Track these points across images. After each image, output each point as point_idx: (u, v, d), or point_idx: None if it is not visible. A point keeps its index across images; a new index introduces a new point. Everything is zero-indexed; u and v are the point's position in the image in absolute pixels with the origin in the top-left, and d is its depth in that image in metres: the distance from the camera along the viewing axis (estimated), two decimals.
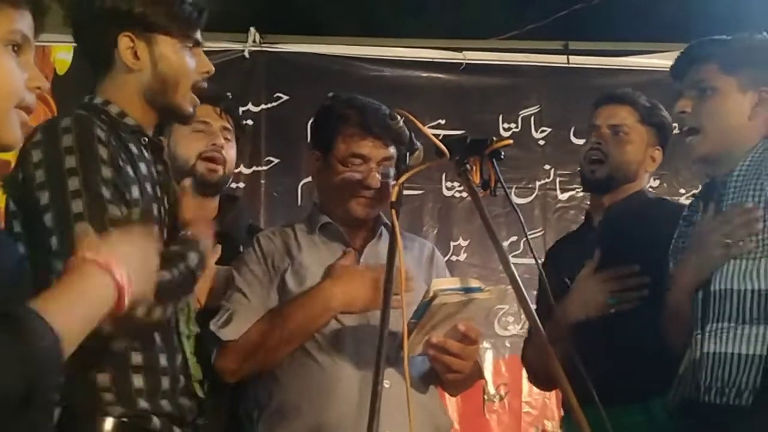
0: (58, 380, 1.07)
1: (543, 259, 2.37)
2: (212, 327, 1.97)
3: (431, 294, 1.80)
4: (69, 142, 1.48)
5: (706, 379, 1.84)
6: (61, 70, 3.51)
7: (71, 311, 1.09)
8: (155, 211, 1.59)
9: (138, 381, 1.52)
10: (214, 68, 1.71)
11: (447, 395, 2.30)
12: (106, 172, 1.49)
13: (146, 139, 1.65)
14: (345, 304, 1.96)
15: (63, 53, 3.50)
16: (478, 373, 2.14)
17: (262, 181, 3.54)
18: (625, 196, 2.35)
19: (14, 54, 1.16)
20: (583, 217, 2.59)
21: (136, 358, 1.52)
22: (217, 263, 2.09)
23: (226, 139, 2.32)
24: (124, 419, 1.49)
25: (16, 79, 1.15)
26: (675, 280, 1.97)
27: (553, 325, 1.96)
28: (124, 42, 1.61)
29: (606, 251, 2.21)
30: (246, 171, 3.52)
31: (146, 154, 1.63)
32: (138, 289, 1.19)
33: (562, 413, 2.49)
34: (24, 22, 1.17)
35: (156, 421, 1.54)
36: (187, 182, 2.18)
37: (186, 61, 1.64)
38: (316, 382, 1.95)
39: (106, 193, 1.47)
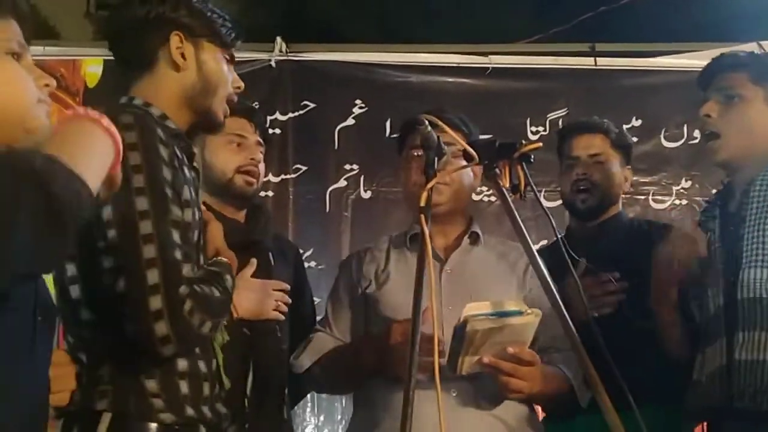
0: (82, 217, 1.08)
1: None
2: (291, 358, 2.18)
3: (462, 320, 1.79)
4: (132, 138, 1.47)
5: (738, 386, 1.87)
6: (92, 83, 3.56)
7: (85, 164, 1.11)
8: (198, 216, 1.60)
9: (184, 387, 1.52)
10: (241, 85, 1.75)
11: None
12: (167, 172, 1.50)
13: (185, 145, 1.66)
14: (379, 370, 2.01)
15: (93, 66, 3.55)
16: (566, 392, 2.06)
17: (290, 189, 3.54)
18: (608, 216, 2.51)
19: (16, 61, 1.22)
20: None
21: (182, 364, 1.52)
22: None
23: (260, 152, 2.37)
24: (176, 426, 1.50)
25: (29, 78, 1.22)
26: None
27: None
28: (175, 40, 1.64)
29: (597, 269, 2.32)
30: (274, 179, 3.53)
31: (185, 158, 1.64)
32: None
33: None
34: (15, 30, 1.23)
35: (202, 429, 1.54)
36: (206, 198, 2.24)
37: (226, 70, 1.69)
38: (390, 398, 1.97)
39: (168, 192, 1.48)
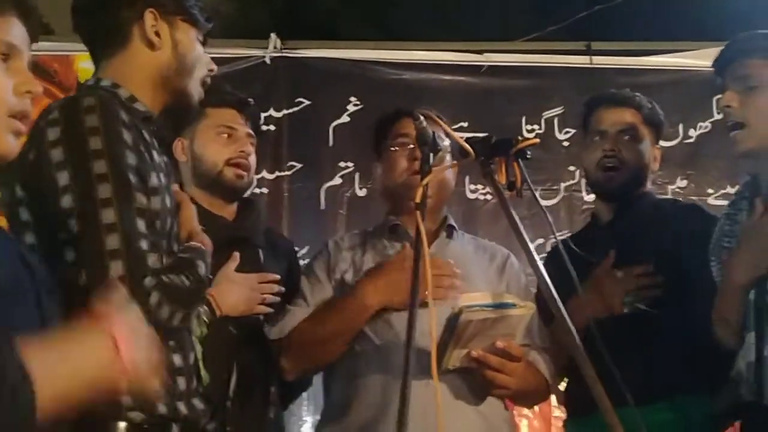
0: (24, 423, 0.95)
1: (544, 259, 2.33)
2: (266, 328, 2.09)
3: (457, 310, 1.79)
4: (94, 122, 1.41)
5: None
6: (85, 78, 3.53)
7: (59, 362, 1.01)
8: (169, 203, 1.54)
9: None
10: (214, 67, 1.71)
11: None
12: (131, 157, 1.43)
13: (155, 128, 1.60)
14: (382, 301, 1.99)
15: (86, 62, 3.50)
16: (543, 390, 2.10)
17: (285, 186, 3.53)
18: (637, 196, 2.34)
19: (1, 62, 1.16)
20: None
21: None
22: (237, 270, 2.09)
23: (251, 144, 2.33)
24: (145, 426, 1.43)
25: (6, 87, 1.15)
26: (727, 278, 1.92)
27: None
28: (150, 18, 1.59)
29: (622, 251, 2.19)
30: (269, 176, 3.51)
31: (155, 142, 1.58)
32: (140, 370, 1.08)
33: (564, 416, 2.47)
34: (9, 30, 1.17)
35: (174, 428, 1.48)
36: (195, 191, 2.21)
37: (201, 51, 1.66)
38: (364, 386, 1.98)
39: (132, 178, 1.41)
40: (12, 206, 1.48)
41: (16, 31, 1.19)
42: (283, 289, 2.17)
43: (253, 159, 2.33)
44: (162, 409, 1.46)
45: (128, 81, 1.58)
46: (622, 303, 2.13)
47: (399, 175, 2.15)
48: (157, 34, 1.60)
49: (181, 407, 1.50)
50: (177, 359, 1.51)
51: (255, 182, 3.40)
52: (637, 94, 2.42)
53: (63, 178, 1.39)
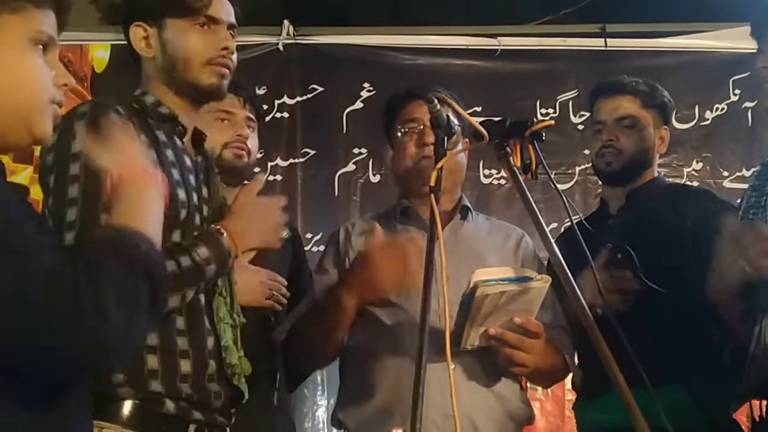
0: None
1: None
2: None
3: (471, 285, 1.78)
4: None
5: None
6: (99, 68, 3.55)
7: (154, 228, 1.19)
8: (183, 196, 1.59)
9: (152, 362, 1.50)
10: (231, 44, 1.72)
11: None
12: None
13: (180, 129, 1.67)
14: (358, 303, 1.96)
15: (101, 51, 3.54)
16: (561, 369, 2.10)
17: (299, 173, 3.54)
18: (643, 182, 2.37)
19: (41, 53, 1.19)
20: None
21: (152, 339, 1.50)
22: None
23: (249, 128, 2.32)
24: (136, 401, 1.48)
25: (47, 76, 1.19)
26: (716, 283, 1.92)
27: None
28: (134, 32, 1.69)
29: (629, 238, 2.19)
30: (283, 163, 3.53)
31: (179, 142, 1.66)
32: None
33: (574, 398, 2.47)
34: (48, 21, 1.20)
35: (169, 404, 1.51)
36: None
37: (194, 38, 1.68)
38: (378, 369, 1.98)
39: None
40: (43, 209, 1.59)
41: (52, 24, 1.22)
42: (288, 293, 2.17)
43: (252, 142, 2.32)
44: (156, 386, 1.50)
45: (152, 89, 1.69)
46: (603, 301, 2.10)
47: (409, 160, 2.14)
48: (149, 43, 1.68)
49: (185, 388, 1.53)
50: (182, 342, 1.55)
51: (268, 168, 3.46)
52: (635, 79, 2.43)
53: (51, 180, 1.50)
